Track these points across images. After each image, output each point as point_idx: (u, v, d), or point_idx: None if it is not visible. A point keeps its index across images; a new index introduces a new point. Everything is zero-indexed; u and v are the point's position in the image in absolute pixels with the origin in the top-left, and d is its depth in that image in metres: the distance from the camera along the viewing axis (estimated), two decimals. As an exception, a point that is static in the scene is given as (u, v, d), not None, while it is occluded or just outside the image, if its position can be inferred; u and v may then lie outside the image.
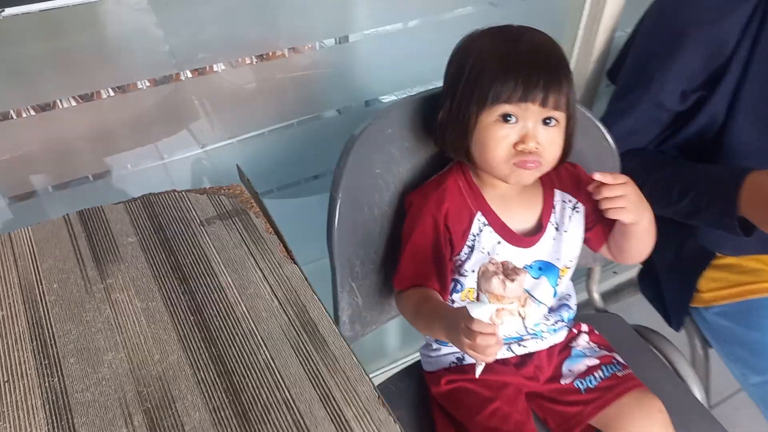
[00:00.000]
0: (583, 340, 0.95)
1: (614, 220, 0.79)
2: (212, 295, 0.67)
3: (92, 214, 0.75)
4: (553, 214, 0.86)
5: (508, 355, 0.91)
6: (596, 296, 1.19)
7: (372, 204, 0.89)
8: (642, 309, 1.26)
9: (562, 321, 0.93)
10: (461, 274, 0.87)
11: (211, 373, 0.60)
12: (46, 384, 0.58)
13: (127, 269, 0.69)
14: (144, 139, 0.99)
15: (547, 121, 0.76)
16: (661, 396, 0.87)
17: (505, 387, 0.89)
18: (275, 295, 0.67)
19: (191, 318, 0.64)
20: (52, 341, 0.62)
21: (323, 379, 0.59)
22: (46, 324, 0.63)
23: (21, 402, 0.57)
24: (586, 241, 0.89)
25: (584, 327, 0.97)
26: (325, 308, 0.66)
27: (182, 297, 0.66)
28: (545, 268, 0.86)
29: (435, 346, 0.94)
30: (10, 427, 0.55)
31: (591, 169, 0.96)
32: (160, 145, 1.00)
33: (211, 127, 1.03)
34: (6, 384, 0.58)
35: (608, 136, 0.99)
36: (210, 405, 0.57)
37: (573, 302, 0.95)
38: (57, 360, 0.60)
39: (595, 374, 0.90)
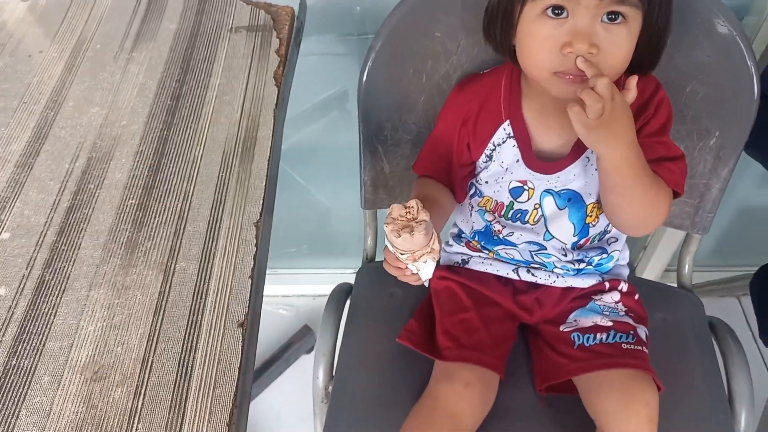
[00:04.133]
0: (611, 298, 0.82)
1: None
2: (196, 90, 0.72)
3: (158, -2, 0.84)
4: None
5: (512, 276, 0.83)
6: (685, 268, 0.98)
7: (421, 69, 0.82)
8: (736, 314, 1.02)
9: (589, 264, 0.81)
10: (478, 182, 0.80)
11: (150, 149, 0.66)
12: (45, 113, 0.71)
13: (152, 49, 0.77)
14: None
15: (611, 16, 0.59)
16: (690, 406, 0.74)
17: (488, 304, 0.83)
18: (242, 108, 0.70)
19: (168, 102, 0.71)
20: (70, 85, 0.74)
21: (227, 187, 0.62)
22: (74, 71, 0.75)
23: (23, 120, 0.70)
24: None
25: (623, 286, 0.82)
26: (274, 133, 0.67)
27: (174, 84, 0.73)
28: (574, 199, 0.74)
29: (450, 242, 0.90)
30: (6, 131, 0.69)
31: (705, 99, 0.77)
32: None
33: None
34: (24, 104, 0.72)
35: (748, 58, 0.74)
36: (132, 172, 0.64)
37: (616, 251, 0.82)
38: (63, 98, 0.72)
39: (598, 335, 0.78)
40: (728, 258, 1.42)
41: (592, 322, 0.79)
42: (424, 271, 0.60)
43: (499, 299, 0.83)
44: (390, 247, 0.60)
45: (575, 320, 0.80)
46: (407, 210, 0.57)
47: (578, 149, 0.71)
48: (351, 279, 0.98)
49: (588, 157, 0.71)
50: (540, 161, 0.72)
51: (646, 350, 0.77)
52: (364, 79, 0.82)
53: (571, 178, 0.72)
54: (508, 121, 0.72)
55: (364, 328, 0.90)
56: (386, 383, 0.83)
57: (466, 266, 0.86)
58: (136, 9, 0.83)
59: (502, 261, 0.83)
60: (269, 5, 0.82)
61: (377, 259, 1.00)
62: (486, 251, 0.84)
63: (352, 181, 0.96)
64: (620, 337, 0.77)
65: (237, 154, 0.65)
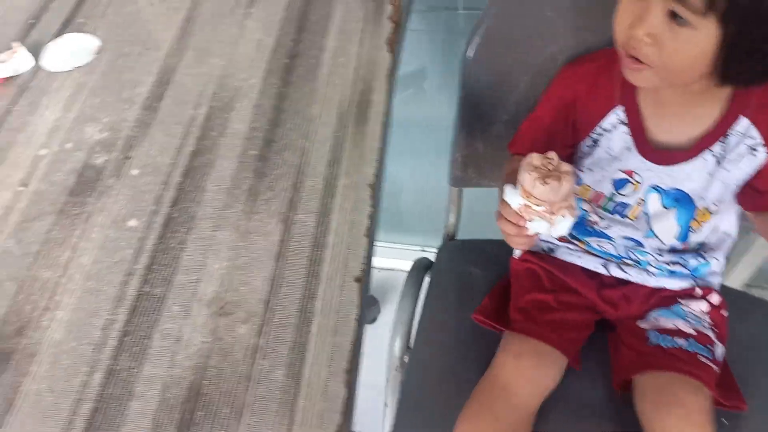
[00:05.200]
0: (698, 307, 0.79)
1: None
2: (312, 51, 0.74)
3: (274, -43, 0.85)
4: (719, 143, 0.68)
5: (601, 270, 0.81)
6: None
7: (527, 49, 0.82)
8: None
9: (686, 268, 0.79)
10: (580, 169, 0.79)
11: (269, 104, 0.69)
12: (167, 60, 0.74)
13: (269, 7, 0.79)
14: None
15: (674, 16, 0.57)
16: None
17: (569, 291, 0.81)
18: (357, 72, 0.71)
19: (285, 60, 0.73)
20: (189, 36, 0.77)
21: (342, 147, 0.64)
22: (192, 22, 0.78)
23: (147, 65, 0.73)
24: (739, 195, 0.72)
25: (715, 298, 0.79)
26: (388, 97, 0.68)
27: (290, 43, 0.75)
28: (682, 200, 0.72)
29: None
30: (132, 75, 0.72)
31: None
32: None
33: None
34: (147, 50, 0.75)
35: None
36: (252, 124, 0.67)
37: (715, 259, 0.79)
38: (183, 49, 0.75)
39: (677, 340, 0.75)
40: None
41: (673, 325, 0.76)
42: (560, 225, 0.58)
43: (582, 290, 0.81)
44: (514, 200, 0.59)
45: (656, 319, 0.78)
46: (548, 161, 0.57)
47: (698, 147, 0.69)
48: (415, 255, 1.00)
49: (706, 159, 0.69)
50: (655, 150, 0.70)
51: (717, 370, 0.74)
52: (470, 56, 0.82)
53: (684, 176, 0.70)
54: (621, 107, 0.71)
55: (443, 304, 0.91)
56: (460, 359, 0.84)
57: (553, 254, 0.84)
58: (252, -34, 0.85)
59: (592, 254, 0.81)
60: (382, -28, 0.83)
61: (458, 237, 1.02)
62: (576, 242, 0.82)
63: (424, 158, 0.96)
64: (699, 349, 0.74)
65: (352, 115, 0.67)
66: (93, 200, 0.60)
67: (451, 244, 0.99)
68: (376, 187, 0.61)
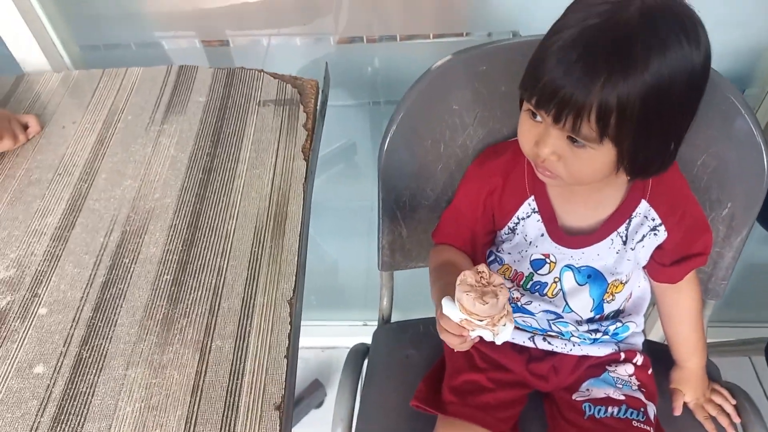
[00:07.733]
0: (625, 371, 0.82)
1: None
2: (227, 164, 0.74)
3: (187, 71, 0.87)
4: (624, 225, 0.73)
5: (528, 344, 0.83)
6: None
7: (439, 139, 0.85)
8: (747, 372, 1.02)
9: (606, 334, 0.82)
10: (499, 251, 0.81)
11: (183, 223, 0.68)
12: (79, 185, 0.73)
13: (183, 122, 0.80)
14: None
15: (572, 140, 0.61)
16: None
17: (501, 369, 0.83)
18: (272, 182, 0.72)
19: (200, 176, 0.73)
20: (102, 156, 0.76)
21: (260, 263, 0.64)
22: (106, 143, 0.78)
23: (58, 192, 0.72)
24: (647, 267, 0.77)
25: (638, 358, 0.83)
26: (303, 207, 0.69)
27: (205, 157, 0.75)
28: (594, 276, 0.76)
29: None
30: (41, 203, 0.70)
31: (716, 171, 0.79)
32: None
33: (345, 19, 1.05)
34: (58, 176, 0.74)
35: (756, 131, 0.77)
36: (166, 247, 0.66)
37: (632, 323, 0.82)
38: (96, 170, 0.74)
39: (609, 408, 0.78)
40: (737, 313, 1.43)
41: (604, 393, 0.79)
42: (503, 333, 0.59)
43: (512, 366, 0.83)
44: (455, 316, 0.59)
45: (588, 389, 0.81)
46: (480, 275, 0.57)
47: (605, 230, 0.72)
48: (359, 331, 0.98)
49: (613, 239, 0.73)
50: (566, 235, 0.74)
51: (651, 430, 0.77)
52: (385, 148, 0.85)
53: (595, 257, 0.74)
54: (532, 197, 0.74)
55: (382, 390, 0.90)
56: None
57: None
58: (165, 80, 0.86)
59: (518, 328, 0.84)
60: (295, 79, 0.85)
61: (393, 320, 1.01)
62: None
63: (358, 232, 0.96)
64: (631, 413, 0.77)
65: (269, 229, 0.67)
66: (-5, 348, 0.57)
67: (386, 327, 0.99)
68: (296, 303, 0.60)
